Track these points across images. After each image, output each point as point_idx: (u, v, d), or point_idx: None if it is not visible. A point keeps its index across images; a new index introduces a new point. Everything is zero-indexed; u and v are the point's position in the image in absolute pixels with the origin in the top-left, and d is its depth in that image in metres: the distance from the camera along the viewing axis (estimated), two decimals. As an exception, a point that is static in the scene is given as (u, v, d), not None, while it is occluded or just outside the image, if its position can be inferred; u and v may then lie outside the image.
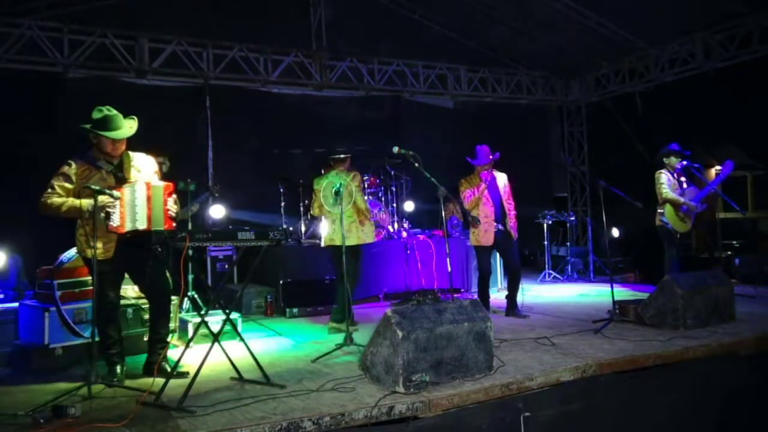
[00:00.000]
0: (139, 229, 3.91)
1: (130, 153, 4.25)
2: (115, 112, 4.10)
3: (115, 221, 3.88)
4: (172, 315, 4.80)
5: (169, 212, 4.06)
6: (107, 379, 4.04)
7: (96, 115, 4.04)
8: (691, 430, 4.42)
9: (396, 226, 8.36)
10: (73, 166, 4.02)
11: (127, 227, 3.90)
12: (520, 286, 6.41)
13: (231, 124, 9.04)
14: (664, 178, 6.62)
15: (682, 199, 6.56)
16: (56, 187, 3.95)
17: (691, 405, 4.41)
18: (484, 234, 6.18)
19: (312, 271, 7.22)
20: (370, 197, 7.93)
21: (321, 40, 9.43)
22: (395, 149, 5.39)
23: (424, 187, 7.86)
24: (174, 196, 4.16)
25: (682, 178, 6.79)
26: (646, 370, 4.28)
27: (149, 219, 3.94)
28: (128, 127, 4.14)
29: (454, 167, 9.98)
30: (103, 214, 3.88)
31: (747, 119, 8.76)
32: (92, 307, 4.08)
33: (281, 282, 6.83)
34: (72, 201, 3.93)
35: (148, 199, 3.95)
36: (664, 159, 6.74)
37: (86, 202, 3.90)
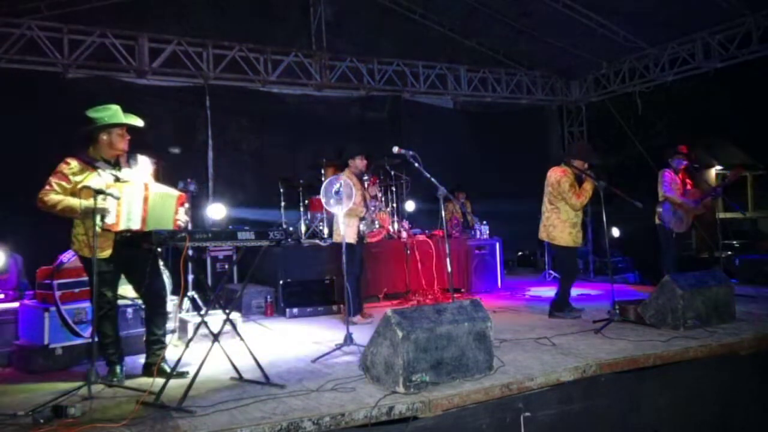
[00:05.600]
0: (133, 228, 3.97)
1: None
2: (116, 106, 4.17)
3: (110, 219, 3.92)
4: (171, 315, 4.80)
5: (179, 222, 4.21)
6: (107, 379, 4.04)
7: (99, 113, 4.08)
8: (691, 430, 4.42)
9: (396, 226, 8.35)
10: (71, 165, 4.04)
11: (122, 226, 3.95)
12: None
13: (231, 124, 9.05)
14: (667, 177, 6.71)
15: (680, 199, 6.62)
16: (54, 184, 3.97)
17: (691, 405, 4.41)
18: (580, 232, 6.00)
19: (312, 271, 7.22)
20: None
21: (321, 40, 9.43)
22: (395, 149, 5.38)
23: (424, 187, 7.84)
24: (186, 206, 4.35)
25: (687, 180, 6.85)
26: (646, 370, 4.27)
27: (143, 220, 4.00)
28: (133, 119, 4.22)
29: (454, 167, 10.04)
30: (98, 215, 3.90)
31: (747, 119, 8.77)
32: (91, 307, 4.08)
33: (281, 282, 6.84)
34: (68, 200, 3.95)
35: (145, 199, 4.02)
36: (668, 159, 6.82)
37: (83, 203, 3.92)
